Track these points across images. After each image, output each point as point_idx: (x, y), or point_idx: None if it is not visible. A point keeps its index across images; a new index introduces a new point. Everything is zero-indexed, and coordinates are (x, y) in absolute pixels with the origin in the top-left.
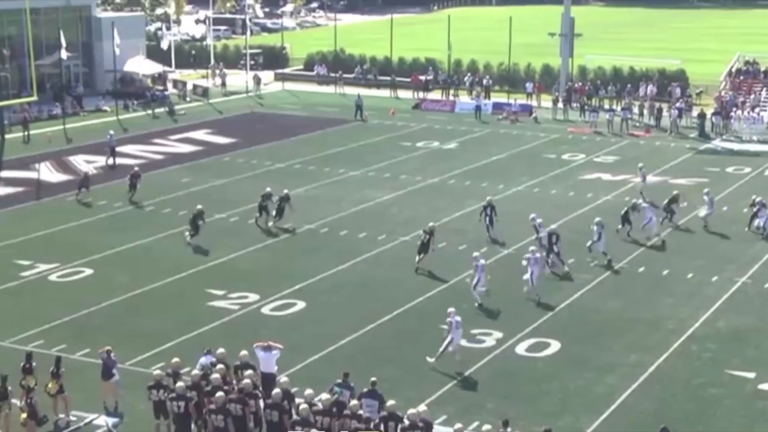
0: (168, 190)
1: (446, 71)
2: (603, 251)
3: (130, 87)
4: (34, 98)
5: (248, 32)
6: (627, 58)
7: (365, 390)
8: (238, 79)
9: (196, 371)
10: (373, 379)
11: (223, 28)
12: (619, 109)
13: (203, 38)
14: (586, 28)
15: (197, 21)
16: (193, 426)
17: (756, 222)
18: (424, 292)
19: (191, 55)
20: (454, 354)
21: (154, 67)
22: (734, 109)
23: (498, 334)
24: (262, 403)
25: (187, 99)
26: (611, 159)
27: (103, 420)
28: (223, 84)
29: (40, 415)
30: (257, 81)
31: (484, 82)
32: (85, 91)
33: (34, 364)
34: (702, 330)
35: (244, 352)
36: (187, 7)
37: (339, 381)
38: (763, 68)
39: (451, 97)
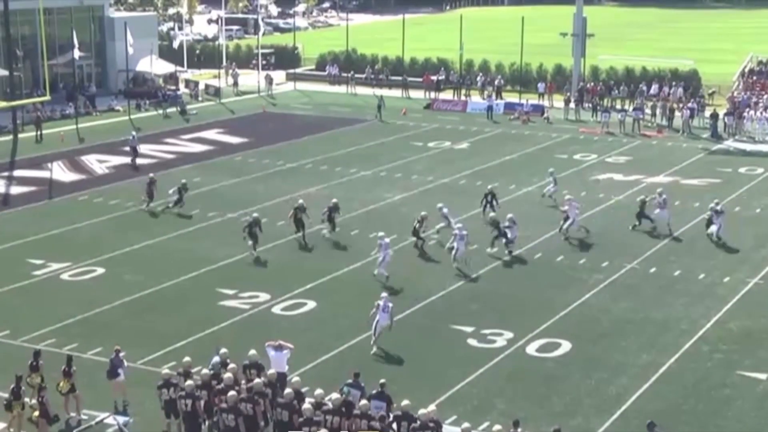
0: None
1: (458, 71)
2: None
3: (142, 87)
4: (47, 98)
5: (260, 32)
6: (639, 58)
7: (374, 392)
8: (250, 78)
9: (206, 371)
10: (382, 380)
11: (235, 27)
12: (631, 109)
13: (215, 38)
14: (598, 29)
15: (209, 21)
16: (204, 426)
17: (711, 228)
18: (435, 292)
19: (197, 55)
20: (383, 330)
21: (167, 67)
22: (747, 109)
23: (509, 335)
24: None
25: (199, 99)
26: (623, 159)
27: (113, 419)
28: (235, 84)
29: (52, 414)
30: (269, 81)
31: (496, 82)
32: (98, 90)
33: (41, 362)
34: (713, 331)
35: (252, 352)
36: (200, 7)
37: (349, 381)
38: None
39: (463, 97)
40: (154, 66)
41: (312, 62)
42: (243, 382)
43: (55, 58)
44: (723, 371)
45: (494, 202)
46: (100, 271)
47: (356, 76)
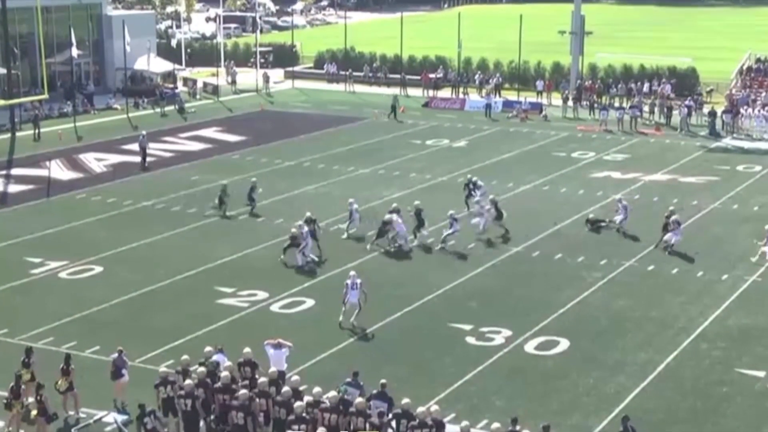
0: (177, 188)
1: (456, 69)
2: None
3: (140, 85)
4: (45, 96)
5: (258, 30)
6: (637, 56)
7: (375, 391)
8: (249, 77)
9: (201, 369)
10: (383, 381)
11: (233, 26)
12: (628, 107)
13: (213, 36)
14: (596, 26)
15: (208, 19)
16: (202, 423)
17: (667, 236)
18: (434, 290)
19: (188, 53)
20: (351, 312)
21: (165, 65)
22: (745, 107)
23: (507, 332)
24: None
25: (198, 97)
26: (621, 157)
27: (112, 417)
28: (233, 82)
29: (51, 412)
30: (266, 79)
31: (494, 80)
32: (96, 89)
33: (33, 359)
34: (712, 328)
35: (247, 349)
36: (198, 5)
37: (348, 380)
38: None
39: (461, 95)
40: (152, 64)
41: (310, 60)
42: (239, 380)
43: (53, 56)
44: (721, 369)
45: (475, 191)
46: (98, 269)
47: (354, 74)
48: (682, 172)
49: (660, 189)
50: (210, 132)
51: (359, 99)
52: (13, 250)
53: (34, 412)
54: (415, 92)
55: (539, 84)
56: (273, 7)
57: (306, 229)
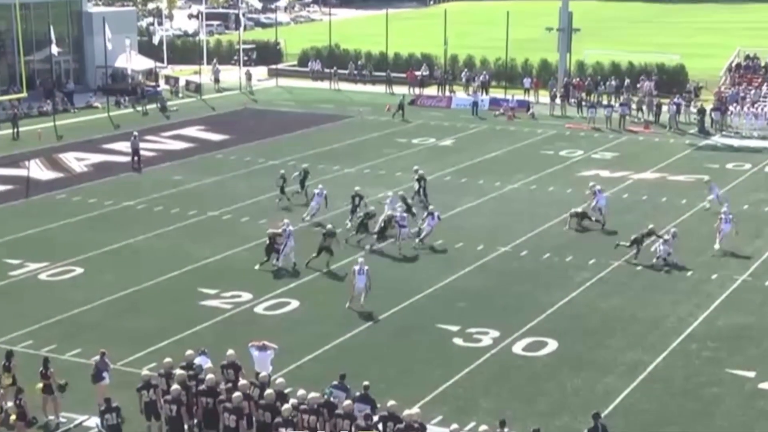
0: (159, 188)
1: (442, 67)
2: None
3: (121, 83)
4: (24, 95)
5: (242, 27)
6: (626, 53)
7: (357, 394)
8: (232, 75)
9: (181, 372)
10: (366, 383)
11: (216, 23)
12: (617, 104)
13: (196, 33)
14: (584, 23)
15: (190, 16)
16: (185, 426)
17: (662, 249)
18: (421, 291)
19: (168, 51)
20: (358, 297)
21: (146, 63)
22: (734, 104)
23: (494, 333)
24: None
25: (180, 95)
26: (609, 155)
27: (94, 422)
28: (216, 80)
29: (30, 417)
30: (249, 77)
31: (481, 77)
32: (76, 87)
33: (13, 362)
34: (702, 328)
35: (230, 352)
36: (180, 2)
37: (335, 383)
38: (763, 63)
39: (448, 93)
40: (134, 62)
41: (294, 58)
42: (223, 383)
43: (32, 54)
44: (711, 369)
45: (423, 188)
46: (79, 271)
47: (339, 72)
48: (671, 170)
49: (649, 187)
50: (192, 131)
51: (344, 97)
52: None
53: (13, 417)
54: (400, 90)
55: (526, 81)
56: (257, 4)
57: (290, 228)
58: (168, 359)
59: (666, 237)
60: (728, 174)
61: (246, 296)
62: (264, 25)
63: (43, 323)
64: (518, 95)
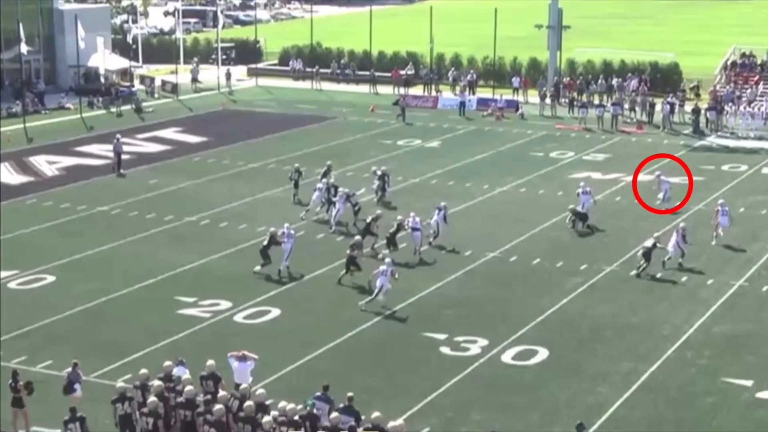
0: (134, 193)
1: (428, 66)
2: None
3: (94, 83)
4: None
5: (220, 25)
6: (618, 51)
7: (341, 405)
8: (210, 74)
9: (158, 383)
10: (350, 394)
11: (193, 20)
12: (609, 104)
13: (172, 31)
14: (574, 20)
15: (166, 13)
16: None
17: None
18: (407, 297)
19: (132, 48)
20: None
21: (120, 62)
22: (729, 103)
23: (483, 342)
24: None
25: (156, 96)
26: (601, 157)
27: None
28: (194, 80)
29: None
30: (228, 76)
31: (468, 77)
32: (47, 87)
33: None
34: (697, 336)
35: (210, 362)
36: None
37: (318, 394)
38: (759, 61)
39: (434, 93)
40: (107, 61)
41: (275, 57)
42: (201, 395)
43: (1, 52)
44: (707, 378)
45: (386, 187)
46: (50, 279)
47: (321, 71)
48: (666, 172)
49: (642, 190)
50: (169, 133)
51: (327, 97)
52: None
53: None
54: (385, 90)
55: (515, 81)
56: (235, 0)
57: (291, 231)
58: (144, 370)
59: (675, 238)
60: (724, 176)
61: (225, 304)
62: (243, 23)
63: (13, 334)
64: (507, 95)
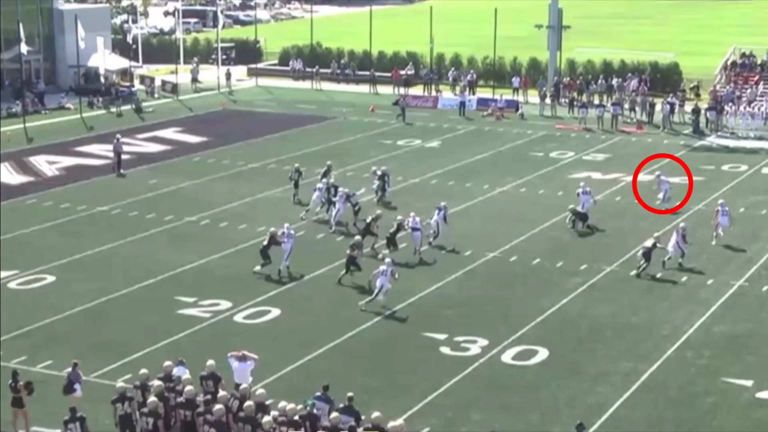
0: (134, 193)
1: (428, 66)
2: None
3: (94, 83)
4: None
5: (220, 25)
6: (618, 51)
7: (341, 405)
8: (210, 74)
9: (158, 383)
10: (350, 394)
11: (193, 20)
12: (609, 104)
13: (172, 31)
14: (574, 20)
15: (166, 13)
16: None
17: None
18: (407, 298)
19: (132, 48)
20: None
21: (120, 62)
22: (729, 103)
23: (483, 342)
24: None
25: (156, 96)
26: (601, 157)
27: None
28: (194, 80)
29: None
30: (228, 76)
31: (468, 77)
32: (47, 87)
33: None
34: (697, 336)
35: (210, 362)
36: None
37: (318, 394)
38: (759, 61)
39: (434, 93)
40: (107, 61)
41: (275, 57)
42: (201, 395)
43: (1, 52)
44: (707, 378)
45: (386, 185)
46: (50, 279)
47: (321, 71)
48: (666, 172)
49: (642, 190)
50: (169, 133)
51: (327, 97)
52: None
53: None
54: (385, 90)
55: (515, 81)
56: (235, 0)
57: (291, 231)
58: (144, 370)
59: (675, 238)
60: (724, 176)
61: (225, 304)
62: (243, 23)
63: (13, 334)
64: (507, 95)
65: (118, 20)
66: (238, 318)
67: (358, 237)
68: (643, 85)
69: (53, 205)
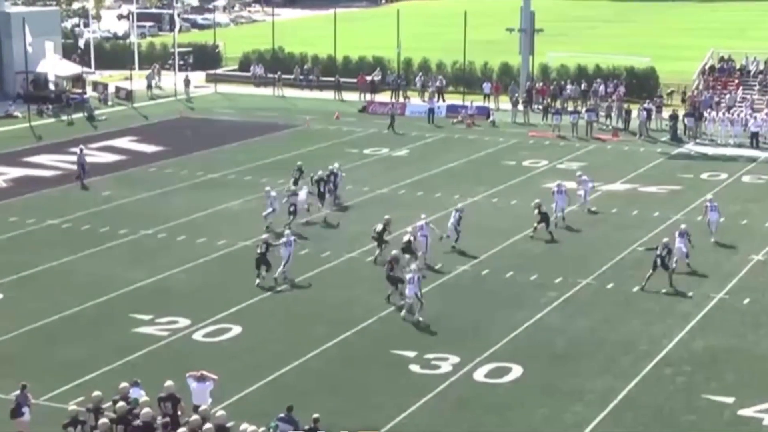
0: (87, 205)
1: (396, 71)
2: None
3: (43, 90)
4: None
5: (176, 29)
6: (592, 55)
7: (306, 427)
8: (167, 80)
9: (122, 403)
10: (316, 415)
11: (148, 24)
12: (584, 111)
13: (126, 36)
14: (547, 23)
15: (120, 16)
16: None
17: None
18: (374, 314)
19: (89, 54)
20: (413, 307)
21: (71, 68)
22: (708, 109)
23: (454, 359)
24: None
25: (109, 103)
26: (576, 165)
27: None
28: (149, 86)
29: None
30: (187, 83)
31: (437, 82)
32: None
33: None
34: (676, 351)
35: (169, 382)
36: (108, 1)
37: (281, 415)
38: (738, 65)
39: (402, 100)
40: (58, 67)
41: (235, 62)
42: (159, 417)
43: None
44: (687, 395)
45: (335, 183)
46: None
47: (284, 77)
48: (642, 181)
49: (619, 200)
50: (123, 142)
51: (289, 104)
52: None
53: None
54: (350, 96)
55: (486, 87)
56: (193, 2)
57: (292, 239)
58: (97, 393)
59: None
60: (703, 184)
61: (183, 322)
62: (201, 27)
63: None
64: (477, 101)
65: (68, 24)
66: (197, 336)
67: (395, 251)
68: (618, 91)
69: (0, 218)
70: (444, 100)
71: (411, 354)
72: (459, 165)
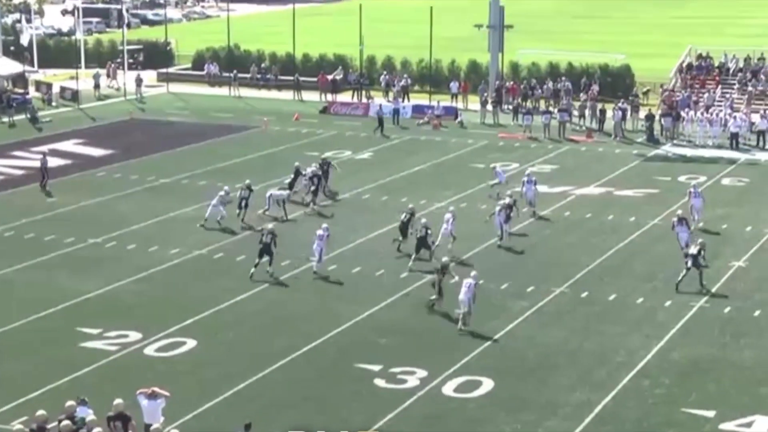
0: (31, 212)
1: (358, 69)
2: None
3: None
4: None
5: (125, 25)
6: (565, 52)
7: None
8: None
9: (67, 422)
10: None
11: (95, 20)
12: (556, 111)
13: (72, 32)
14: (517, 19)
15: (64, 12)
16: None
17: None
18: (338, 325)
19: (32, 51)
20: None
21: (13, 67)
22: (686, 109)
23: (422, 373)
24: None
25: (53, 104)
26: (548, 168)
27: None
28: (97, 86)
29: None
30: (139, 82)
31: (402, 81)
32: None
33: None
34: (654, 362)
35: (118, 400)
36: None
37: None
38: (717, 63)
39: (365, 100)
40: None
41: (188, 60)
42: None
43: None
44: (666, 409)
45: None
46: None
47: (240, 76)
48: (618, 184)
49: (593, 204)
50: (69, 145)
51: (246, 105)
52: None
53: None
54: (310, 96)
55: (454, 86)
56: None
57: (327, 233)
58: (42, 411)
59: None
60: (681, 187)
61: (134, 336)
62: (152, 23)
63: None
64: (444, 101)
65: (9, 19)
66: (149, 351)
67: (445, 259)
68: (592, 90)
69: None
70: (409, 100)
71: (376, 368)
72: (426, 168)
